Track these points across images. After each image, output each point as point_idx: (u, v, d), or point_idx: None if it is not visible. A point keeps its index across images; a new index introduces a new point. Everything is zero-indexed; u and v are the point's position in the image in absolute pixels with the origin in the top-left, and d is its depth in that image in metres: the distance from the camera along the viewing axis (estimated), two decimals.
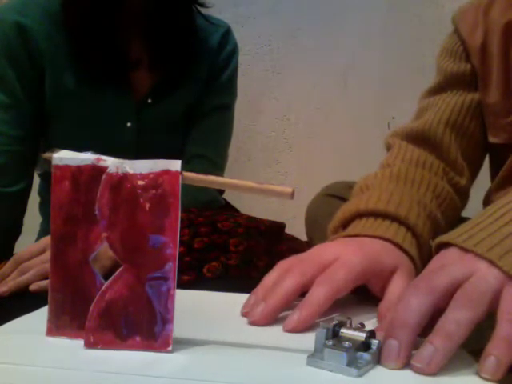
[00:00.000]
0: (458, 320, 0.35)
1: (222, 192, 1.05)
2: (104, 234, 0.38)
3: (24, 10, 0.87)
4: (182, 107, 0.99)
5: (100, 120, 0.93)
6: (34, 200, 0.99)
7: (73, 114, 0.92)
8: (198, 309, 0.49)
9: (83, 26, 0.87)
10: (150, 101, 0.95)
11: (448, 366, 0.35)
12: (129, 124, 0.95)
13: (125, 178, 0.38)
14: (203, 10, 0.97)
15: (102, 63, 0.89)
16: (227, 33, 1.02)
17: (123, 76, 0.92)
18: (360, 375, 0.34)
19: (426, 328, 0.37)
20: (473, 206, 0.77)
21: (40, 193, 1.07)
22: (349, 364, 0.34)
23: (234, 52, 1.03)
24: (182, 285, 0.63)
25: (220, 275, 0.71)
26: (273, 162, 1.81)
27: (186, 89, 0.98)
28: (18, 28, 0.86)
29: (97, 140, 0.92)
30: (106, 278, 0.38)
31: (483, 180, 0.80)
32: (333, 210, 0.63)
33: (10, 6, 0.88)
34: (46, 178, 1.03)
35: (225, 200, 1.06)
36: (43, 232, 1.05)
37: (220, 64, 1.01)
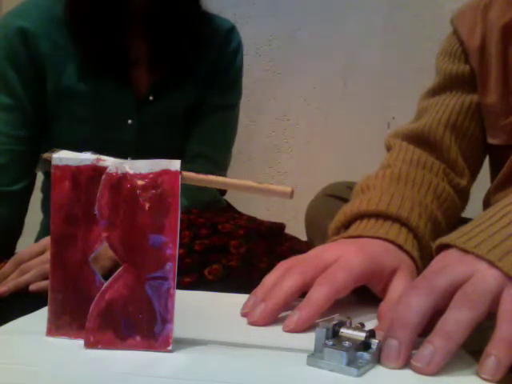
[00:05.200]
0: (457, 320, 0.35)
1: (223, 193, 1.05)
2: (104, 234, 0.38)
3: (27, 14, 0.89)
4: (184, 105, 0.99)
5: (101, 117, 0.93)
6: (34, 200, 0.99)
7: (74, 113, 0.92)
8: (198, 309, 0.49)
9: (86, 27, 0.88)
10: (151, 98, 0.95)
11: (448, 365, 0.35)
12: (130, 121, 0.94)
13: (124, 178, 0.38)
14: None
15: (103, 60, 0.89)
16: (231, 31, 1.01)
17: (124, 73, 0.92)
18: (360, 375, 0.34)
19: (426, 328, 0.37)
20: (473, 207, 0.77)
21: (43, 189, 1.07)
22: (349, 364, 0.34)
23: (238, 50, 1.02)
24: (184, 287, 0.63)
25: (221, 277, 0.71)
26: (273, 162, 1.81)
27: (188, 87, 0.98)
28: (21, 33, 0.87)
29: (98, 138, 0.92)
30: (106, 278, 0.38)
31: (483, 181, 0.80)
32: (333, 210, 0.63)
33: (13, 11, 0.90)
34: (49, 175, 1.03)
35: (226, 201, 1.06)
36: (44, 230, 1.05)
37: (224, 62, 1.00)
